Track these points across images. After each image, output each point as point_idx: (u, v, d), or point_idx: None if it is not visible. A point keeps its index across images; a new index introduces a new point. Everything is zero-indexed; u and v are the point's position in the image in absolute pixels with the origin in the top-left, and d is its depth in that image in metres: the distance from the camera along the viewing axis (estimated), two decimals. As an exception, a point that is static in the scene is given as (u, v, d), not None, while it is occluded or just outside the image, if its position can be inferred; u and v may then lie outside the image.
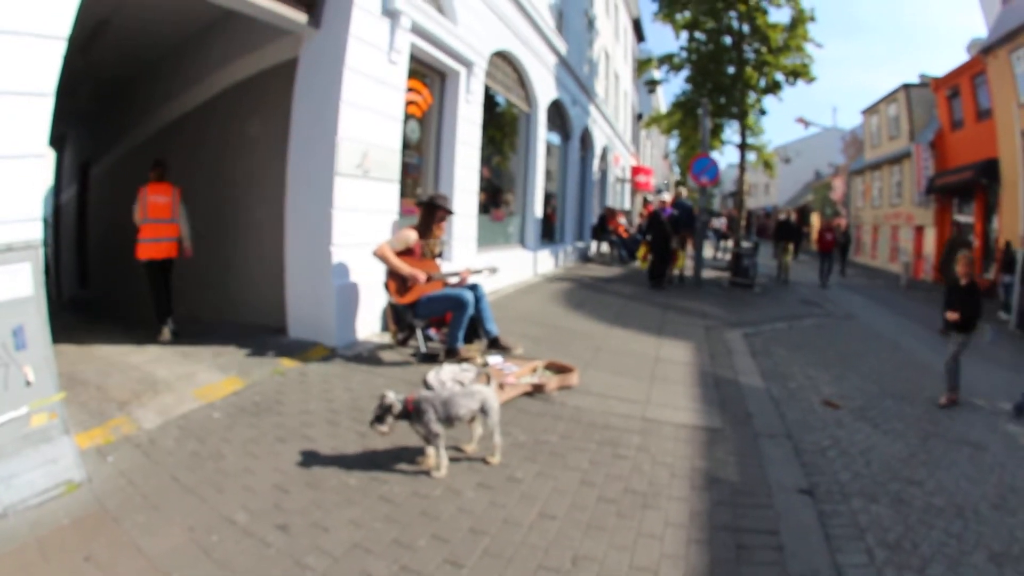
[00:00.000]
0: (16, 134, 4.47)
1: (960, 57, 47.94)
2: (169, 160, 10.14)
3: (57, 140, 18.93)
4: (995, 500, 5.53)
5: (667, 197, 19.11)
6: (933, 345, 13.20)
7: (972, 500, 5.48)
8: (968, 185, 26.62)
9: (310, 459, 5.06)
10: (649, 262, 18.41)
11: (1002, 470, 6.31)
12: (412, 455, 5.03)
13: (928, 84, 32.00)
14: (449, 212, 8.56)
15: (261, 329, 9.02)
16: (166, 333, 9.37)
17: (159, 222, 9.60)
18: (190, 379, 6.90)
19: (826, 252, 24.84)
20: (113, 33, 10.81)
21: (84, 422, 5.55)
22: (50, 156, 19.52)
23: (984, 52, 24.90)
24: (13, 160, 4.44)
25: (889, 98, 36.74)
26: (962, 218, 28.54)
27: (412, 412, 4.77)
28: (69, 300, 18.82)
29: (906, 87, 34.51)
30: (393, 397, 4.77)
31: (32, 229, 4.45)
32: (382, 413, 4.73)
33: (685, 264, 19.94)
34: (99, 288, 17.23)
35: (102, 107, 15.90)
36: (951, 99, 29.28)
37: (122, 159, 15.26)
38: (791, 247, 23.67)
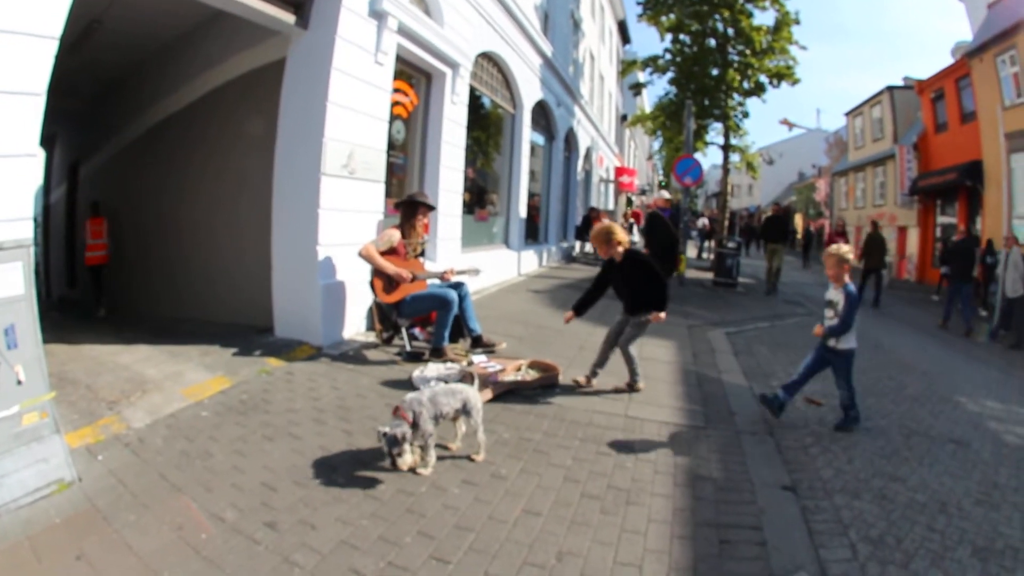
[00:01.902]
0: (8, 133, 4.49)
1: (941, 61, 48.11)
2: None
3: (47, 140, 18.85)
4: (978, 496, 5.56)
5: (668, 195, 18.70)
6: (915, 344, 13.35)
7: (955, 496, 5.50)
8: (952, 186, 26.78)
9: (297, 457, 5.09)
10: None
11: (985, 466, 6.34)
12: (396, 453, 5.08)
13: (912, 87, 32.09)
14: (430, 207, 8.65)
15: (248, 329, 9.05)
16: (101, 312, 14.00)
17: (96, 242, 14.32)
18: (178, 378, 6.93)
19: None
20: (104, 33, 10.80)
21: (74, 421, 5.58)
22: (40, 156, 19.39)
23: (969, 55, 25.01)
24: (4, 159, 4.46)
25: (873, 100, 36.86)
26: (945, 219, 28.65)
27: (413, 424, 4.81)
28: (58, 300, 18.83)
29: (890, 89, 34.63)
30: (392, 428, 4.72)
31: (23, 228, 4.47)
32: (395, 448, 4.70)
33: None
34: (87, 288, 17.19)
35: (92, 107, 15.87)
36: (935, 102, 29.40)
37: (112, 159, 15.26)
38: (781, 249, 20.27)
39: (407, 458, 4.74)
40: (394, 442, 4.64)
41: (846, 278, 6.87)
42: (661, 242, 16.53)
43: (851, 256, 6.93)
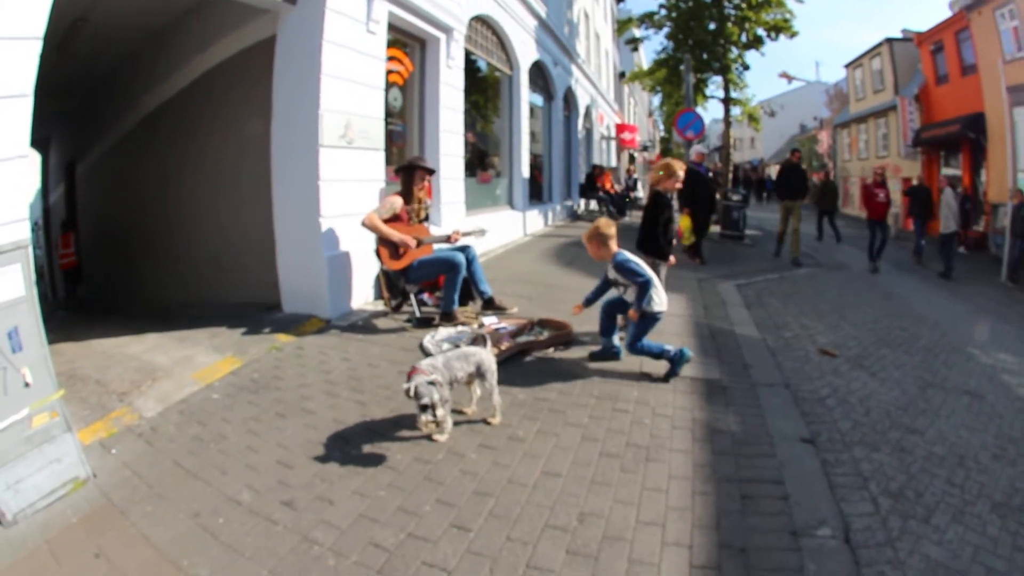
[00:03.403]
0: (-2, 138, 4.42)
1: (938, 13, 47.83)
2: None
3: (41, 142, 19.07)
4: (995, 450, 5.56)
5: (703, 149, 17.96)
6: (926, 294, 13.29)
7: (972, 449, 5.50)
8: (954, 138, 26.55)
9: (311, 432, 5.06)
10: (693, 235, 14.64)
11: (1000, 420, 6.33)
12: (412, 421, 5.00)
13: (911, 39, 31.73)
14: (428, 171, 8.60)
15: (256, 307, 9.00)
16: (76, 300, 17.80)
17: (66, 251, 18.24)
18: (188, 363, 6.87)
19: (878, 220, 17.45)
20: (90, 30, 10.60)
21: (86, 417, 5.52)
22: (35, 158, 19.68)
23: (968, 8, 24.64)
24: (-3, 164, 4.39)
25: (872, 52, 36.42)
26: (950, 171, 28.22)
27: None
28: (64, 299, 19.12)
29: (889, 41, 34.17)
30: (418, 382, 4.61)
31: (20, 230, 4.41)
32: (435, 396, 4.58)
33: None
34: (93, 284, 17.56)
35: (85, 104, 15.75)
36: (935, 54, 29.00)
37: (108, 153, 15.19)
38: (799, 206, 16.63)
39: (440, 411, 4.68)
40: (431, 389, 4.57)
41: (613, 248, 6.46)
42: (701, 198, 14.90)
43: (610, 231, 6.46)
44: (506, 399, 5.42)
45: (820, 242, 21.81)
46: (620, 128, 43.07)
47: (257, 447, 4.86)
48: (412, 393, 4.59)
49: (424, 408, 4.57)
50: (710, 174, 16.69)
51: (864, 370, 7.38)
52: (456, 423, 5.06)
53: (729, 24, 25.32)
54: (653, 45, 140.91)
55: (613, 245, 6.42)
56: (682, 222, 14.25)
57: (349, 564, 3.51)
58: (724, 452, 4.80)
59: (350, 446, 4.82)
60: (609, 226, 6.43)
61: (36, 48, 4.74)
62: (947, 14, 27.64)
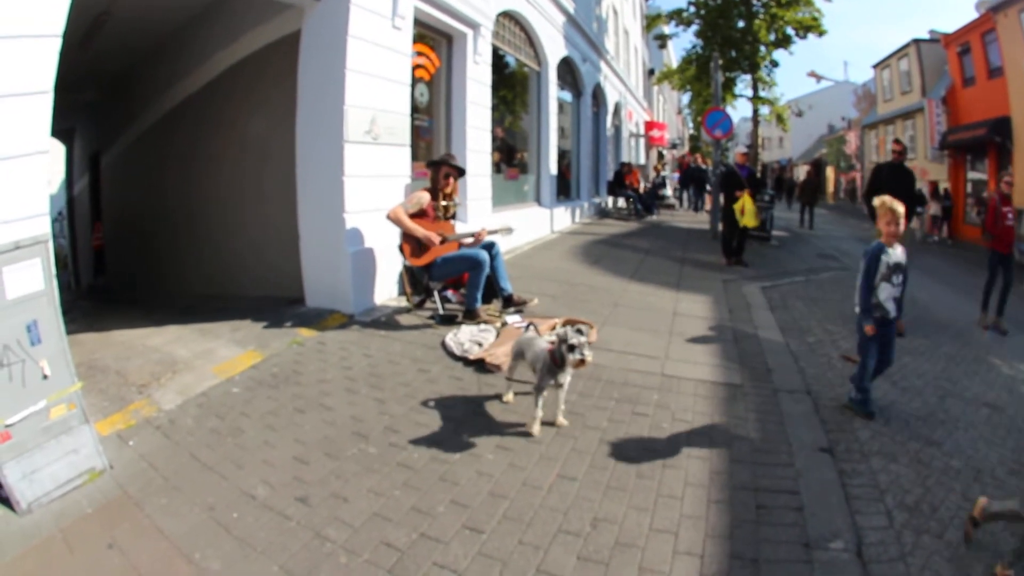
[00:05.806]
0: (17, 134, 4.48)
1: (968, 14, 47.18)
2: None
3: (66, 133, 19.27)
4: (1013, 465, 5.43)
5: (744, 149, 17.70)
6: (950, 301, 13.09)
7: (990, 464, 5.37)
8: (981, 142, 26.28)
9: (329, 429, 5.08)
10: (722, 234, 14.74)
11: (1019, 433, 6.19)
12: (429, 420, 5.06)
13: (939, 40, 31.44)
14: (452, 167, 8.56)
15: (279, 301, 9.04)
16: (101, 280, 19.03)
17: (97, 235, 19.20)
18: (209, 356, 6.91)
19: (1004, 254, 11.43)
20: (114, 24, 10.64)
21: (104, 408, 5.58)
22: (59, 150, 20.03)
23: (994, 10, 24.39)
24: (16, 160, 4.46)
25: (900, 53, 36.12)
26: (976, 175, 28.01)
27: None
28: (87, 288, 19.40)
29: (917, 42, 33.86)
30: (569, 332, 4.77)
31: (39, 225, 4.49)
32: (581, 348, 4.69)
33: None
34: (116, 274, 17.73)
35: (109, 96, 15.90)
36: (962, 56, 28.72)
37: (133, 145, 15.30)
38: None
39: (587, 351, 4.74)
40: (574, 333, 4.72)
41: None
42: (733, 202, 14.26)
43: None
44: (526, 400, 5.43)
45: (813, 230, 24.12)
46: (649, 125, 42.96)
47: (274, 442, 4.89)
48: (559, 338, 4.74)
49: (572, 348, 4.65)
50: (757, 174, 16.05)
51: (885, 378, 7.20)
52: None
53: (758, 22, 25.23)
54: (682, 42, 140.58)
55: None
56: (745, 203, 13.97)
57: (361, 562, 3.53)
58: (742, 460, 4.78)
59: (367, 444, 4.82)
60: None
61: (55, 45, 4.78)
62: (974, 15, 27.41)
